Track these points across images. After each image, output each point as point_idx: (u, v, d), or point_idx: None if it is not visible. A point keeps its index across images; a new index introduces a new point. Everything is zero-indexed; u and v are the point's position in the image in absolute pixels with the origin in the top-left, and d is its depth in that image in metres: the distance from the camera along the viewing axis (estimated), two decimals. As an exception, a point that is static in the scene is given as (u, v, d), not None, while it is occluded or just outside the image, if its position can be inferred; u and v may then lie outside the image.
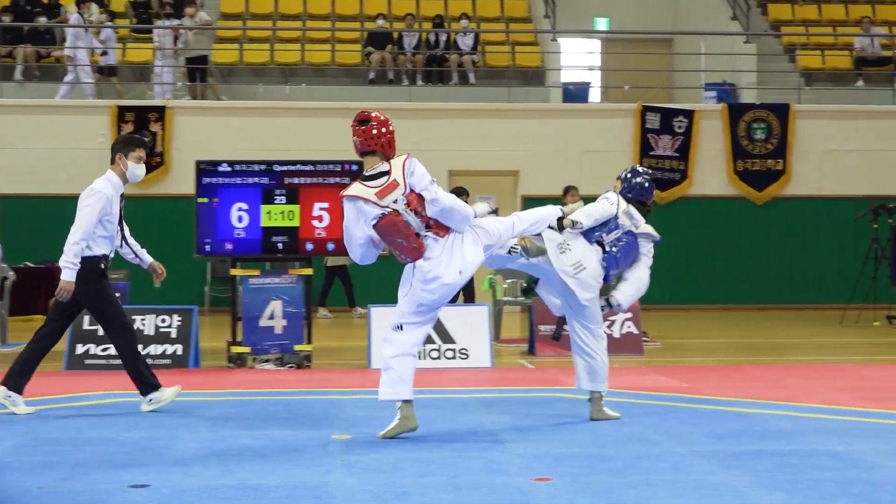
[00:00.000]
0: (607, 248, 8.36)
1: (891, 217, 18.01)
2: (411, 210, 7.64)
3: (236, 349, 11.88)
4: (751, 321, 18.55)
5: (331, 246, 11.92)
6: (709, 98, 22.19)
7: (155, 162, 19.98)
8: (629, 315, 13.31)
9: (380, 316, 11.84)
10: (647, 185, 8.77)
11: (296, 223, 11.90)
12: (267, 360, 11.81)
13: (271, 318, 11.83)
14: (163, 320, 12.06)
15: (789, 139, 21.03)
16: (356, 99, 21.15)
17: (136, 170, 9.15)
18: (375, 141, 7.75)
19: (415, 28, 22.59)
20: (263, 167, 11.94)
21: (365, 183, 7.70)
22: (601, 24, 26.48)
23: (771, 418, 8.56)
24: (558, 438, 7.70)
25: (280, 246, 11.88)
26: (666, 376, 11.17)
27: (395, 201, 7.63)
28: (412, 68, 22.26)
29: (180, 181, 19.50)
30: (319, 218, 11.91)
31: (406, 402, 7.65)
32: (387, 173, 7.68)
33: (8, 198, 19.85)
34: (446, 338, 12.12)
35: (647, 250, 8.69)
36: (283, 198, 11.88)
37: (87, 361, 11.84)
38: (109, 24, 22.05)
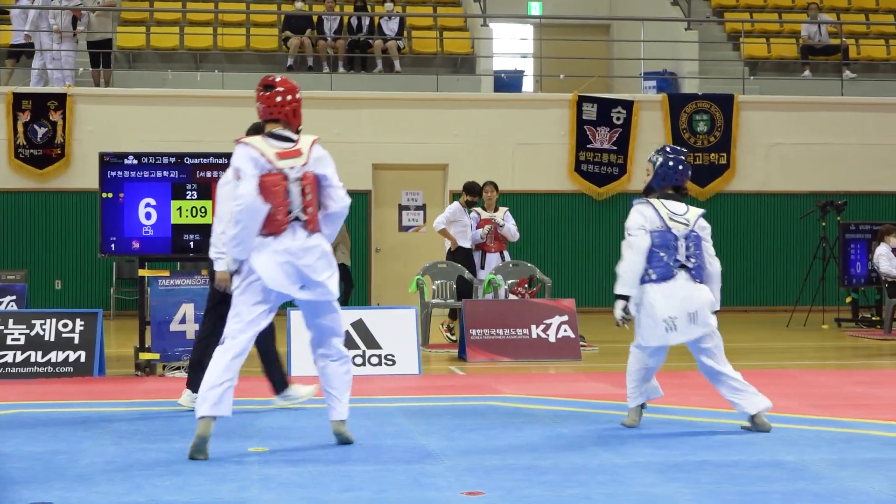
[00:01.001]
0: (690, 266, 8.29)
1: (839, 214, 18.30)
2: (301, 185, 7.58)
3: (145, 356, 11.79)
4: (693, 324, 18.68)
5: (246, 245, 11.84)
6: (648, 88, 22.38)
7: (55, 154, 19.78)
8: (565, 318, 13.39)
9: (299, 319, 11.78)
10: (680, 167, 8.42)
11: (209, 220, 11.77)
12: (178, 368, 11.73)
13: (182, 322, 11.76)
14: (65, 325, 11.92)
15: (733, 132, 21.31)
16: (273, 87, 21.05)
17: None
18: (279, 109, 7.72)
19: (336, 11, 22.55)
20: (173, 160, 11.85)
21: (268, 139, 7.66)
22: (535, 8, 26.61)
23: (715, 427, 8.67)
24: (491, 449, 7.73)
25: (192, 245, 11.80)
26: (605, 383, 11.25)
27: (292, 168, 7.59)
28: (333, 54, 22.21)
29: (83, 175, 19.30)
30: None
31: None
32: (293, 141, 7.67)
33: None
34: (371, 343, 12.13)
35: (706, 234, 8.45)
36: (195, 193, 11.80)
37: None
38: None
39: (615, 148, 21.01)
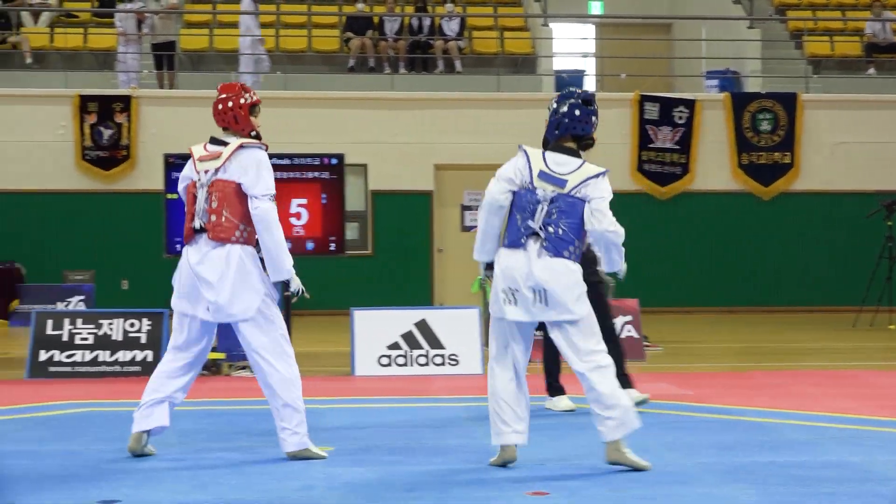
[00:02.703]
0: (543, 235, 6.94)
1: (904, 213, 18.07)
2: (207, 192, 7.25)
3: (211, 355, 11.82)
4: (758, 324, 18.59)
5: (310, 245, 11.91)
6: (711, 87, 22.22)
7: (120, 155, 19.95)
8: (629, 318, 13.32)
9: (363, 319, 11.85)
10: (577, 111, 7.31)
11: (272, 221, 11.85)
12: (243, 367, 11.80)
13: (247, 322, 11.78)
14: (132, 324, 12.03)
15: (797, 131, 21.09)
16: (334, 88, 21.17)
17: None
18: (221, 116, 7.40)
19: (397, 12, 22.59)
20: (237, 161, 11.89)
21: (207, 143, 7.43)
22: (595, 7, 26.53)
23: (781, 427, 8.59)
24: (554, 450, 7.71)
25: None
26: (668, 383, 11.19)
27: (206, 172, 7.31)
28: (394, 55, 22.25)
29: (148, 176, 19.45)
30: (297, 215, 11.90)
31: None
32: (224, 145, 7.33)
33: (-38, 193, 19.81)
34: (435, 343, 12.13)
35: (596, 198, 7.01)
36: (259, 193, 11.82)
37: (51, 369, 11.80)
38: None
39: (678, 147, 20.89)
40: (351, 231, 19.65)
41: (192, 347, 7.40)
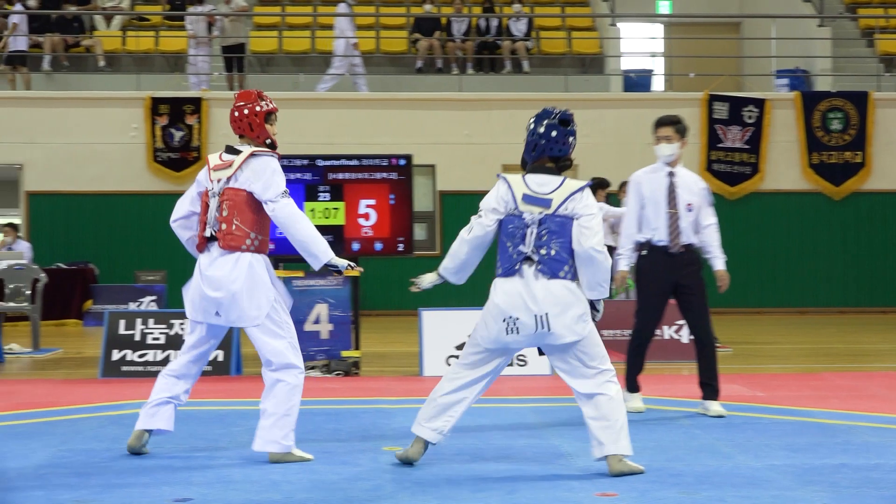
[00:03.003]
0: (536, 259, 6.86)
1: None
2: (218, 201, 7.34)
3: (280, 356, 11.89)
4: (829, 325, 18.41)
5: (378, 245, 11.95)
6: (781, 86, 22.06)
7: (191, 157, 20.15)
8: (697, 319, 13.20)
9: (431, 319, 11.86)
10: (553, 133, 7.10)
11: (341, 221, 11.94)
12: (312, 367, 11.85)
13: (317, 322, 11.86)
14: (201, 325, 12.10)
15: (868, 129, 20.87)
16: (402, 89, 21.24)
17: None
18: (236, 123, 7.45)
19: (464, 13, 22.61)
20: (306, 162, 11.99)
21: (223, 153, 7.49)
22: (664, 7, 26.40)
23: (854, 430, 8.49)
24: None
25: (325, 246, 11.88)
26: (738, 384, 11.11)
27: (219, 181, 7.38)
28: (462, 56, 22.27)
29: (217, 177, 19.63)
30: (366, 216, 11.94)
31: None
32: (238, 153, 7.38)
33: (37, 195, 20.09)
34: (502, 343, 12.09)
35: (583, 214, 6.88)
36: (327, 194, 11.91)
37: (124, 368, 11.93)
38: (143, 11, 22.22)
39: (747, 147, 20.74)
40: (419, 231, 19.72)
41: (200, 349, 7.51)
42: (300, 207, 11.64)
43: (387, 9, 24.16)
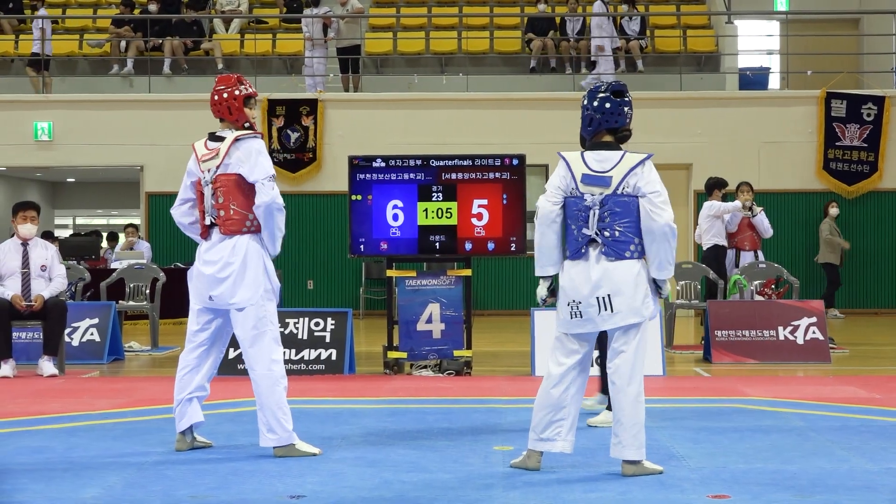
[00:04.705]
0: (600, 241, 6.78)
1: None
2: (212, 189, 7.45)
3: (393, 354, 12.00)
4: (949, 326, 18.02)
5: (491, 245, 11.96)
6: (901, 83, 21.64)
7: (307, 158, 20.36)
8: (814, 320, 13.05)
9: (544, 319, 11.84)
10: (607, 104, 7.01)
11: (454, 221, 11.96)
12: (425, 367, 11.91)
13: (429, 321, 11.91)
14: (316, 324, 12.25)
15: None
16: (516, 89, 21.23)
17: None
18: (216, 107, 7.57)
19: (578, 12, 22.53)
20: (419, 162, 12.04)
21: (207, 140, 7.61)
22: (781, 4, 26.04)
23: (974, 433, 8.31)
24: (736, 452, 7.60)
25: (437, 245, 11.96)
26: (855, 386, 10.92)
27: (209, 170, 7.49)
28: (576, 55, 22.19)
29: (333, 178, 19.85)
30: (479, 216, 11.96)
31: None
32: (221, 140, 7.51)
33: (157, 196, 20.45)
34: (614, 343, 12.03)
35: (646, 189, 6.83)
36: (441, 195, 11.95)
37: (240, 366, 12.04)
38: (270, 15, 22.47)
39: (865, 145, 20.37)
40: (532, 231, 19.70)
41: (202, 335, 7.64)
42: (413, 208, 11.85)
43: (501, 9, 24.17)
